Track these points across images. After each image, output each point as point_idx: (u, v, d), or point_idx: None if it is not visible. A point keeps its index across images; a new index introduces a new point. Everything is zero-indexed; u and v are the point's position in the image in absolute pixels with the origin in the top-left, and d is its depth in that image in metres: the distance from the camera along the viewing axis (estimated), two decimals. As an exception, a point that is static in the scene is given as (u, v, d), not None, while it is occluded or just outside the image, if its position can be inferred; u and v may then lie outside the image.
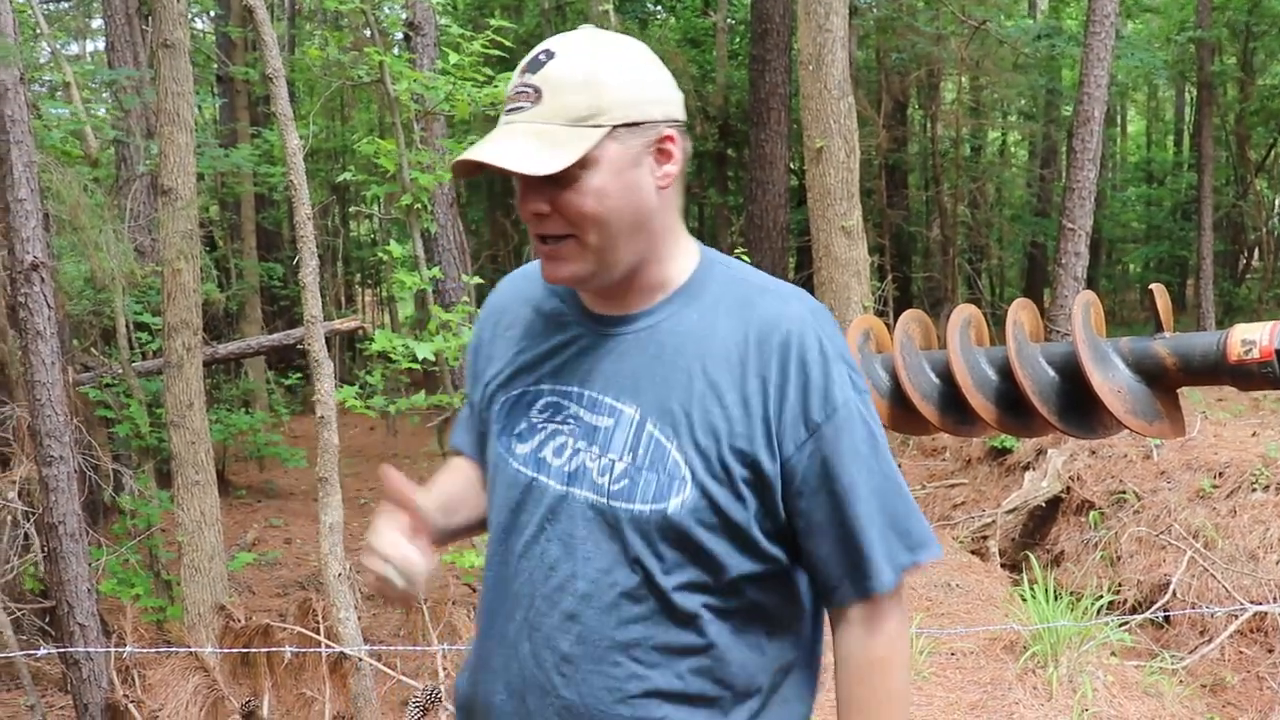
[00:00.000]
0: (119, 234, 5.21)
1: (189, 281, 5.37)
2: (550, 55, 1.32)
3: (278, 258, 13.54)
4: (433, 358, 4.49)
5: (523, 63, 1.35)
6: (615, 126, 1.30)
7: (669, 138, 1.35)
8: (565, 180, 1.29)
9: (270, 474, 10.16)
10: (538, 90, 1.31)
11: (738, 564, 1.35)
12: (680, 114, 1.38)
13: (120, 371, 5.99)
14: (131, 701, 4.30)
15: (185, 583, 5.36)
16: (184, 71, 5.69)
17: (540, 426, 1.42)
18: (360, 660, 3.87)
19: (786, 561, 1.40)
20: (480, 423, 1.53)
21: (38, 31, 8.53)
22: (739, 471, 1.32)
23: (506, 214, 15.66)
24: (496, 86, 4.90)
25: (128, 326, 5.87)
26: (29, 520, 4.65)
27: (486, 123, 6.05)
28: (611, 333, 1.41)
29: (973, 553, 6.58)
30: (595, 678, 1.36)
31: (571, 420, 1.40)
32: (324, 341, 3.72)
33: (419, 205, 4.79)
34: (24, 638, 4.98)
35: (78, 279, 5.68)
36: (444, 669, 4.65)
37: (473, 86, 4.98)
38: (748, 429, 1.32)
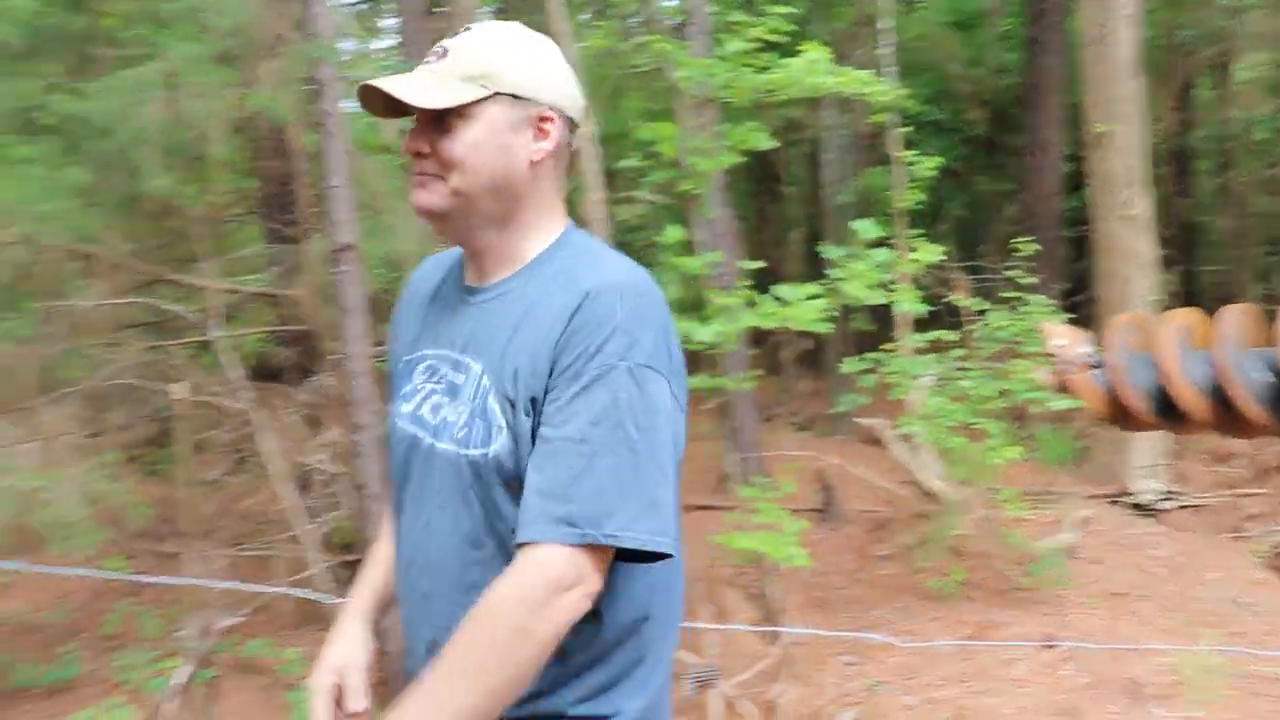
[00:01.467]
0: (414, 218, 5.55)
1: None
2: (468, 29, 1.54)
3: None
4: (711, 340, 4.56)
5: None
6: (500, 93, 1.49)
7: (548, 118, 1.52)
8: (446, 127, 1.49)
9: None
10: (446, 50, 1.51)
11: None
12: (571, 111, 1.56)
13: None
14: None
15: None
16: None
17: (419, 388, 1.59)
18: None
19: None
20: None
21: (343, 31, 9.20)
22: (532, 418, 1.44)
23: (773, 200, 15.62)
24: (775, 73, 4.90)
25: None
26: (336, 480, 5.06)
27: (763, 110, 6.05)
28: (474, 300, 1.57)
29: (1272, 568, 6.08)
30: (445, 616, 1.47)
31: (442, 381, 1.56)
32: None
33: (698, 191, 4.86)
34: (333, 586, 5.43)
35: (374, 259, 6.10)
36: (713, 644, 4.74)
37: (751, 73, 5.00)
38: (536, 379, 1.44)
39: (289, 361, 5.65)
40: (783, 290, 4.49)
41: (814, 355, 13.32)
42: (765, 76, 4.88)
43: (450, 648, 1.38)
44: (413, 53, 9.45)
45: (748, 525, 5.24)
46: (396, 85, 1.48)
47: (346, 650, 1.71)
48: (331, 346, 5.27)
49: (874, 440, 10.34)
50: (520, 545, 1.41)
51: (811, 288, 4.70)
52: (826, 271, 4.73)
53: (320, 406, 5.19)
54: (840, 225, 10.75)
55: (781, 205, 14.60)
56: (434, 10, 10.01)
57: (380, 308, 6.78)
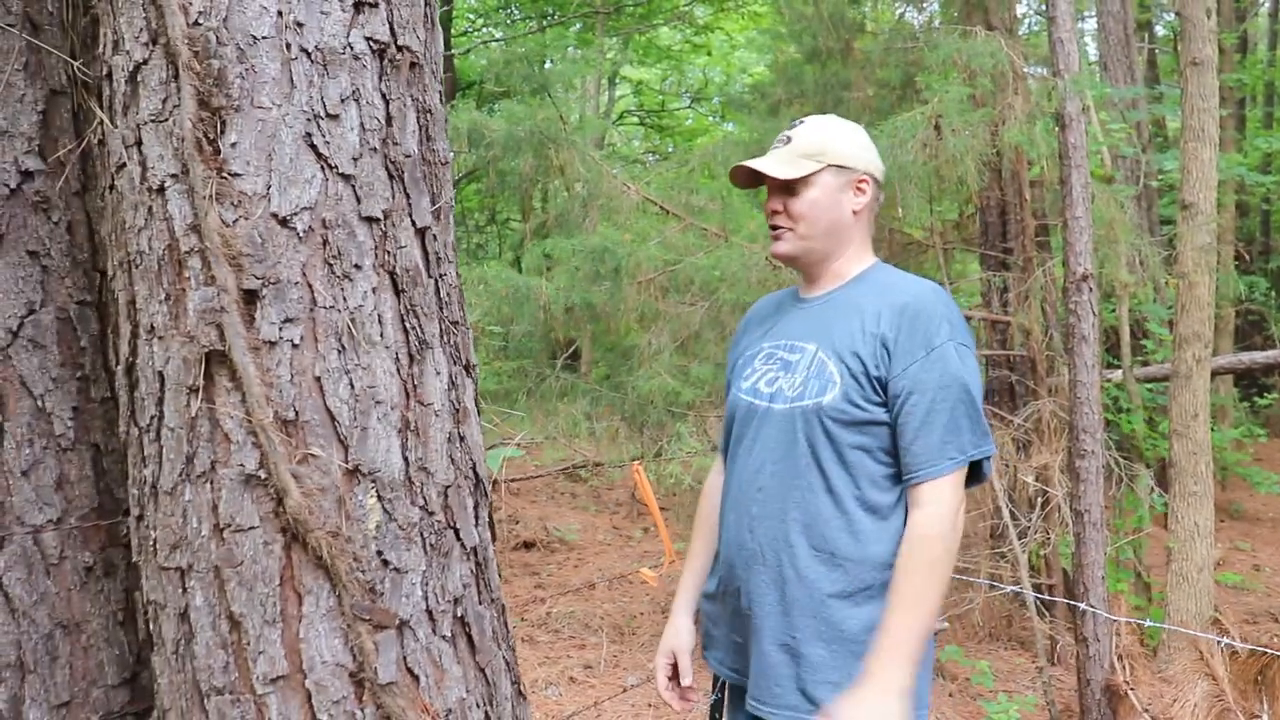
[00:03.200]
0: (1138, 246, 5.48)
1: (1204, 295, 5.47)
2: (802, 123, 2.19)
3: (1253, 270, 12.92)
4: None
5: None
6: (830, 165, 2.12)
7: (864, 180, 2.15)
8: (794, 191, 2.12)
9: (1234, 494, 9.81)
10: (789, 139, 2.16)
11: (864, 443, 1.98)
12: (877, 173, 2.18)
13: (1119, 375, 6.31)
14: (1130, 689, 4.57)
15: (1172, 589, 5.50)
16: (1211, 87, 5.78)
17: (757, 369, 2.15)
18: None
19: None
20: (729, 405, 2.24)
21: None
22: (867, 383, 1.97)
23: None
24: None
25: (1132, 333, 6.15)
26: (1046, 504, 5.15)
27: None
28: (807, 306, 2.17)
29: None
30: (767, 533, 2.03)
31: (778, 361, 2.12)
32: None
33: None
34: (1025, 610, 5.55)
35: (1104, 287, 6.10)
36: None
37: None
38: (875, 355, 1.98)
39: (1003, 384, 5.86)
40: None
41: None
42: None
43: (904, 582, 1.87)
44: (1114, 76, 9.29)
45: None
46: (761, 164, 2.11)
47: (675, 638, 2.25)
48: (1048, 371, 5.38)
49: None
50: (919, 485, 1.93)
51: None
52: None
53: (1033, 431, 5.31)
54: None
55: None
56: (1134, 39, 9.73)
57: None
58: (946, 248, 5.91)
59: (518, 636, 5.96)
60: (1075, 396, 4.56)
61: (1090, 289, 4.59)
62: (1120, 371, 6.47)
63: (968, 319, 6.06)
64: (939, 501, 1.90)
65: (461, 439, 1.89)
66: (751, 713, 2.03)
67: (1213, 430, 9.26)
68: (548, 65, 12.50)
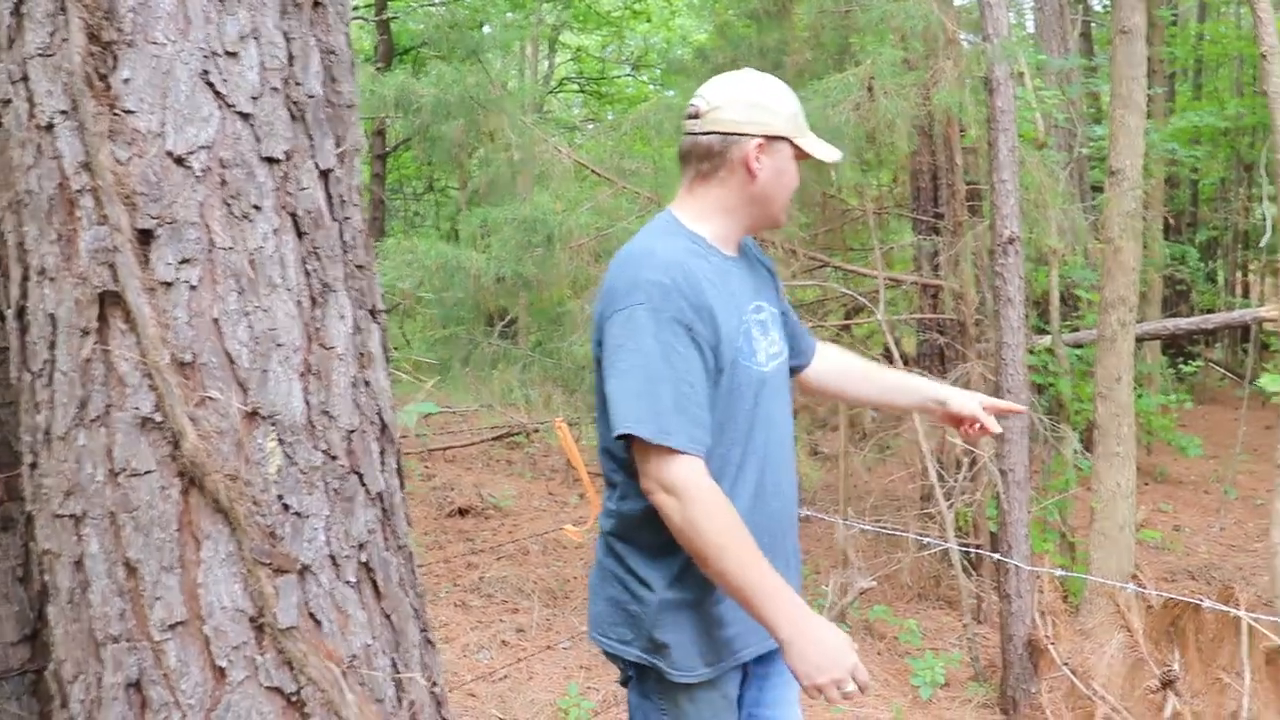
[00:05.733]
0: (1068, 212, 5.55)
1: (1129, 260, 5.56)
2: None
3: (1180, 241, 13.17)
4: None
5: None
6: None
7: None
8: None
9: (1159, 458, 10.03)
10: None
11: None
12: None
13: (1048, 340, 6.41)
14: (1051, 643, 4.66)
15: (1094, 548, 5.61)
16: (1139, 57, 5.86)
17: (755, 337, 2.10)
18: (1300, 657, 3.74)
19: None
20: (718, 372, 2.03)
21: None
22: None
23: None
24: None
25: (1062, 299, 6.25)
26: (974, 465, 5.23)
27: None
28: (738, 263, 2.16)
29: None
30: (793, 484, 2.23)
31: (758, 325, 2.13)
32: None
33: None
34: (952, 570, 5.64)
35: (1029, 251, 6.18)
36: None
37: None
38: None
39: (933, 348, 5.93)
40: None
41: None
42: None
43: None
44: (1049, 47, 9.39)
45: None
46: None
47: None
48: (978, 336, 5.45)
49: None
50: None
51: None
52: None
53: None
54: None
55: None
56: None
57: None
58: (879, 212, 5.95)
59: (450, 602, 5.96)
60: (1001, 358, 4.63)
61: (1016, 252, 4.64)
62: (1050, 336, 6.58)
63: (898, 283, 6.14)
64: None
65: (367, 384, 1.87)
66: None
67: (1140, 396, 9.47)
68: (486, 30, 12.36)
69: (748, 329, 2.07)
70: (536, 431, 8.15)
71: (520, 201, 5.63)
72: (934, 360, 5.89)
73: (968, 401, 2.35)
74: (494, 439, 9.34)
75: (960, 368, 5.34)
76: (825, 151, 2.15)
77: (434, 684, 1.96)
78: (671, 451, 1.85)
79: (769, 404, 2.09)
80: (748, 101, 2.08)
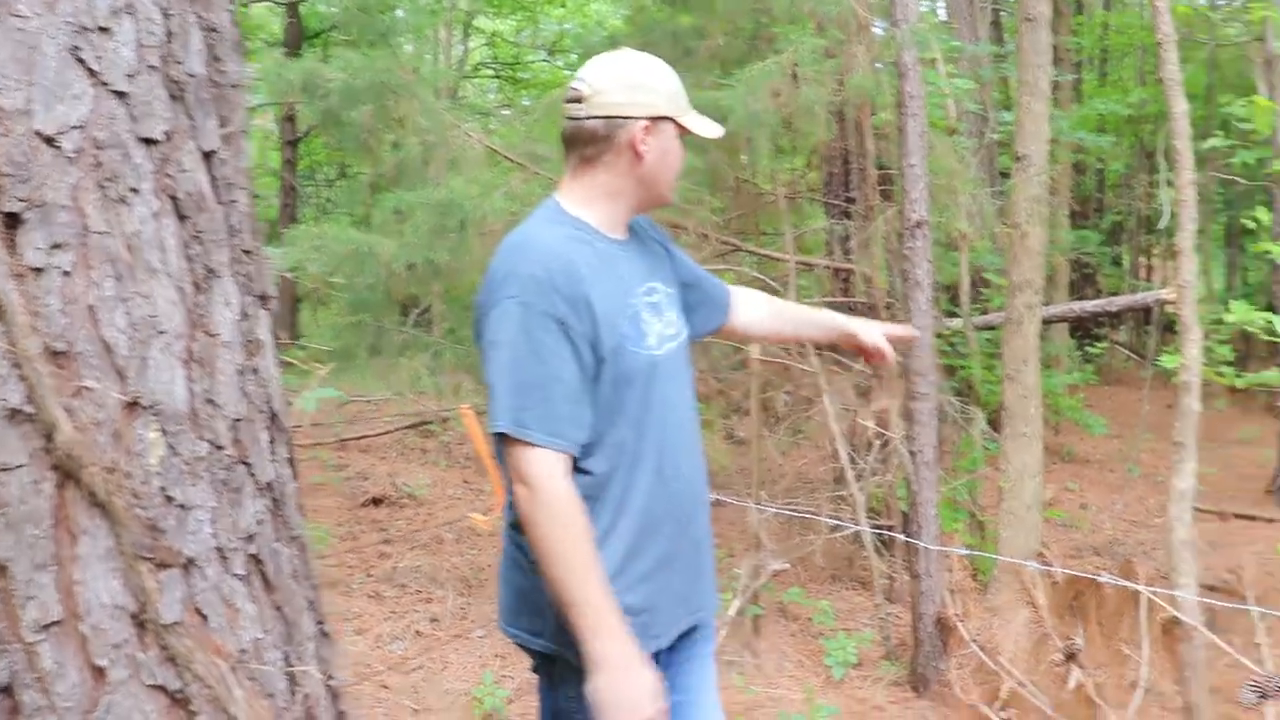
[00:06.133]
0: (977, 197, 5.64)
1: (1035, 244, 5.66)
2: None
3: (1086, 226, 13.47)
4: (1301, 333, 4.24)
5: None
6: None
7: None
8: None
9: (1066, 437, 10.26)
10: None
11: None
12: None
13: (958, 323, 6.51)
14: (960, 620, 4.74)
15: (1003, 526, 5.72)
16: (1044, 44, 5.97)
17: (647, 320, 2.06)
18: (1195, 629, 3.85)
19: None
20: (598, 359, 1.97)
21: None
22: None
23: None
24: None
25: (972, 283, 6.35)
26: (885, 446, 5.29)
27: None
28: (627, 246, 2.12)
29: None
30: (701, 463, 2.23)
31: (650, 308, 2.09)
32: (1194, 306, 3.73)
33: (1296, 172, 4.52)
34: (864, 551, 5.71)
35: (938, 235, 6.26)
36: (1271, 657, 4.44)
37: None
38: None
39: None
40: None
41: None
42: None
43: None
44: (960, 34, 9.52)
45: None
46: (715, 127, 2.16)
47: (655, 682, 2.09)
48: (889, 319, 5.50)
49: None
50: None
51: None
52: None
53: (873, 376, 5.44)
54: None
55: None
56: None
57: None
58: (792, 197, 5.98)
59: (364, 593, 5.87)
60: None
61: (924, 236, 4.69)
62: (960, 319, 6.68)
63: (810, 267, 6.19)
64: None
65: (255, 371, 1.82)
66: (696, 624, 2.21)
67: (1048, 377, 9.68)
68: (398, 14, 12.16)
69: (635, 313, 2.03)
70: (446, 420, 8.07)
71: (433, 187, 5.55)
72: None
73: (872, 332, 2.50)
74: (408, 427, 9.23)
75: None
76: (707, 128, 2.15)
77: (330, 677, 1.92)
78: (529, 445, 1.85)
79: (664, 388, 2.07)
80: (630, 83, 2.05)
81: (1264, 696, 3.84)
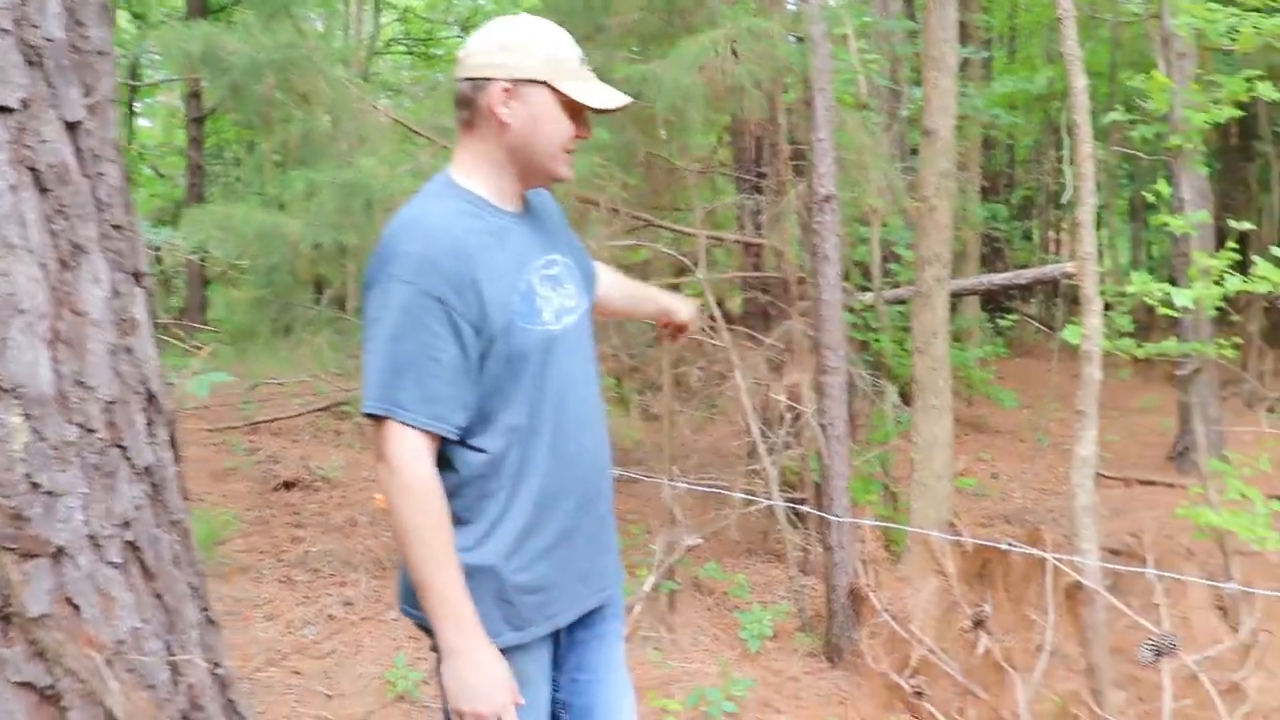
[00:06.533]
0: (887, 172, 5.67)
1: (943, 218, 5.72)
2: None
3: (996, 201, 13.70)
4: (1193, 305, 4.35)
5: (569, 37, 2.03)
6: None
7: None
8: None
9: (978, 409, 10.45)
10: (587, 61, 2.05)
11: None
12: None
13: (870, 297, 6.57)
14: (872, 590, 4.80)
15: (914, 497, 5.80)
16: (951, 20, 6.02)
17: (543, 294, 2.01)
18: (1097, 593, 3.94)
19: None
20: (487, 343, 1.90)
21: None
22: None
23: (1245, 158, 14.25)
24: (1292, 17, 4.54)
25: (884, 258, 6.41)
26: (797, 420, 5.32)
27: (1264, 53, 5.57)
28: (523, 218, 2.06)
29: None
30: (605, 438, 2.17)
31: (549, 281, 2.04)
32: (1095, 279, 3.79)
33: (1190, 145, 4.61)
34: (779, 524, 5.74)
35: (848, 210, 6.30)
36: (1169, 618, 4.57)
37: (1260, 16, 4.66)
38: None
39: (757, 306, 5.99)
40: (1287, 253, 4.19)
41: (1278, 331, 12.13)
42: (1277, 20, 4.52)
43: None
44: (875, 7, 9.57)
45: (1210, 500, 5.01)
46: (622, 97, 2.03)
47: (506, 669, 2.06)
48: (801, 294, 5.53)
49: (1354, 428, 9.34)
50: None
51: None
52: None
53: (785, 350, 5.46)
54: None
55: (1255, 164, 13.28)
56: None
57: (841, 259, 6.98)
58: (704, 172, 5.97)
59: (275, 578, 5.77)
60: (819, 314, 4.70)
61: (833, 210, 4.71)
62: (872, 294, 6.74)
63: (721, 242, 6.19)
64: None
65: (129, 351, 1.74)
66: (601, 604, 2.18)
67: (960, 350, 9.84)
68: (306, -14, 11.87)
69: (529, 289, 1.97)
70: (346, 403, 7.95)
71: (341, 166, 5.43)
72: (758, 319, 5.96)
73: (684, 312, 2.57)
74: (320, 410, 9.08)
75: (783, 325, 5.41)
76: (596, 97, 1.99)
77: (217, 664, 1.86)
78: (398, 425, 1.82)
79: (563, 364, 2.02)
80: (496, 44, 1.97)
81: (1160, 654, 3.95)
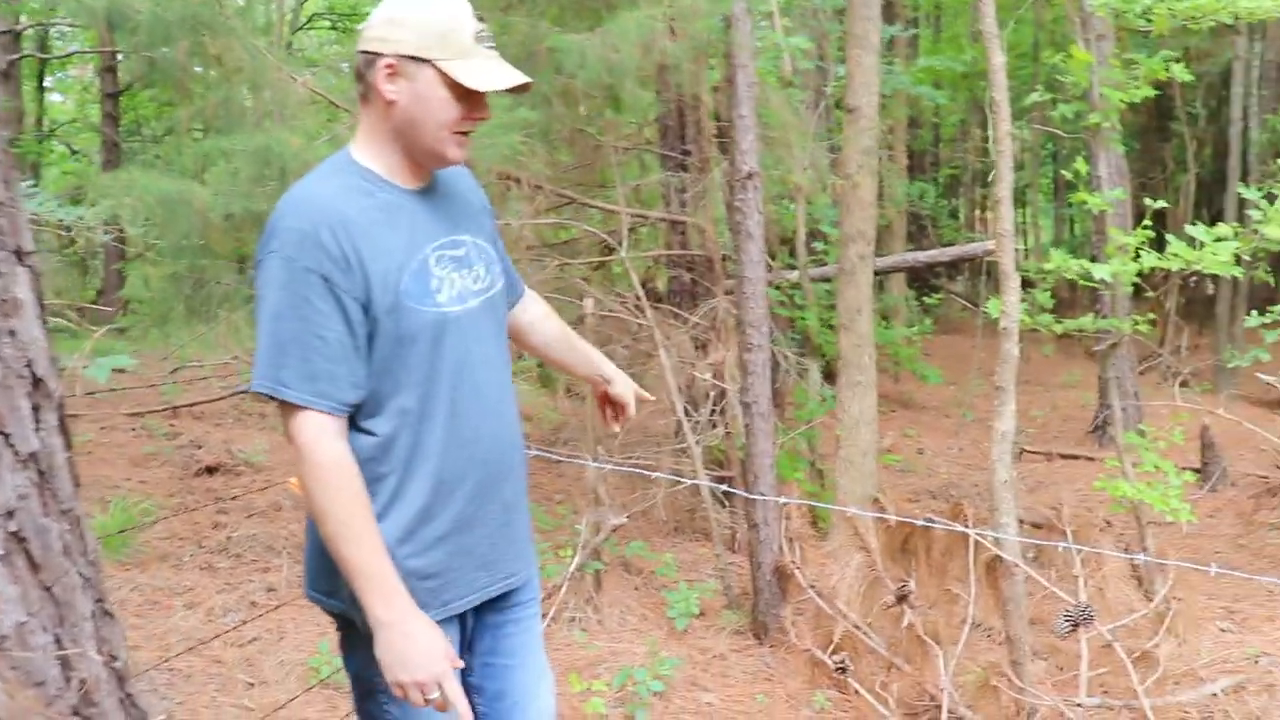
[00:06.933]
0: (808, 150, 5.68)
1: (867, 195, 5.75)
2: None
3: (922, 179, 13.84)
4: (1109, 279, 4.42)
5: (468, 11, 1.91)
6: None
7: None
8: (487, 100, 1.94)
9: (905, 386, 10.57)
10: (491, 36, 1.94)
11: None
12: None
13: (796, 275, 6.59)
14: (797, 567, 4.83)
15: (840, 474, 5.85)
16: (873, -4, 6.04)
17: (439, 275, 1.95)
18: (1016, 566, 3.99)
19: None
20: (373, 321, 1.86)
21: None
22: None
23: (1163, 138, 14.56)
24: (1202, -1, 4.60)
25: (810, 235, 6.44)
26: (722, 399, 5.32)
27: (1180, 36, 5.68)
28: (425, 196, 1.99)
29: None
30: (513, 419, 2.11)
31: (450, 262, 1.98)
32: (1013, 256, 3.83)
33: (1108, 124, 4.68)
34: (704, 502, 5.75)
35: (771, 187, 6.30)
36: (1086, 589, 4.66)
37: (1173, -1, 4.73)
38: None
39: (682, 285, 5.98)
40: (1196, 231, 4.27)
41: (1194, 307, 12.41)
42: (1191, 1, 4.60)
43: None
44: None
45: (1126, 473, 5.13)
46: (518, 76, 1.92)
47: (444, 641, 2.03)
48: (725, 271, 5.52)
49: (1265, 400, 9.61)
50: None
51: (1224, 228, 4.43)
52: (1247, 213, 4.44)
53: (710, 329, 5.46)
54: (1247, 164, 9.91)
55: (1171, 143, 13.56)
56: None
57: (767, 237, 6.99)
58: (629, 149, 5.93)
59: (195, 565, 5.65)
60: (742, 292, 4.70)
61: (755, 187, 4.70)
62: (798, 271, 6.76)
63: (645, 219, 6.16)
64: None
65: (11, 334, 1.67)
66: (509, 589, 2.14)
67: (886, 327, 9.94)
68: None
69: (422, 268, 1.91)
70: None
71: (250, 133, 5.28)
72: (684, 297, 5.95)
73: (625, 390, 2.39)
74: (243, 392, 8.91)
75: (708, 303, 5.41)
76: (481, 78, 1.88)
77: (114, 657, 1.80)
78: (294, 406, 1.80)
79: (462, 346, 1.96)
80: (386, 17, 1.89)
81: (1076, 625, 4.02)
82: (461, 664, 1.90)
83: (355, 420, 1.87)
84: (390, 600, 1.79)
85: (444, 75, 1.86)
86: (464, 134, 1.93)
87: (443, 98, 1.87)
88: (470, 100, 1.90)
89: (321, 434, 1.79)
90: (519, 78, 1.92)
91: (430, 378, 1.91)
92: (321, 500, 1.78)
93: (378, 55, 1.87)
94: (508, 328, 2.25)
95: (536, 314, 2.37)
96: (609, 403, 2.41)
